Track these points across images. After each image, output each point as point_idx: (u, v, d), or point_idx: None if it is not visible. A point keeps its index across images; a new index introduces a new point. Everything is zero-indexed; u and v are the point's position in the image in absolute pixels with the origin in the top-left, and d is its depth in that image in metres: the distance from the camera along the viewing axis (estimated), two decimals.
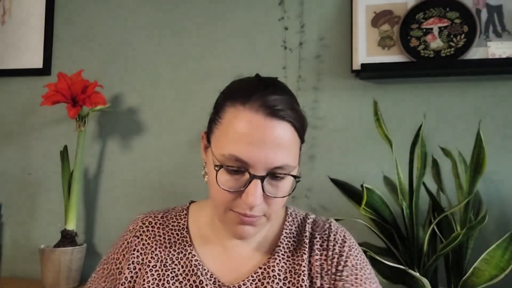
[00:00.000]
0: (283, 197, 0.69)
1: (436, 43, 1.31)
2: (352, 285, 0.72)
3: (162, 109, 1.55)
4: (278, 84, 0.72)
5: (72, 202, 1.42)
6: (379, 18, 1.38)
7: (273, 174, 0.66)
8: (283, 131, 0.66)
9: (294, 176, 0.68)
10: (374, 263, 1.07)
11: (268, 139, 0.65)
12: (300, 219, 0.82)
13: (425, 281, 1.00)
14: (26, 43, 1.67)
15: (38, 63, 1.64)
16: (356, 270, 0.74)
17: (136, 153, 1.55)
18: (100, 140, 1.59)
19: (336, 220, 1.18)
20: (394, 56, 1.35)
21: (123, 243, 0.80)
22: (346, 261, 0.75)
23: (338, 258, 0.75)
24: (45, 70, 1.63)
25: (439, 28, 1.32)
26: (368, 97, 1.35)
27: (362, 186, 1.09)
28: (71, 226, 1.41)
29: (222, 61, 1.51)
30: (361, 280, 0.73)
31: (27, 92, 1.65)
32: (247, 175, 0.66)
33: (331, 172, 1.31)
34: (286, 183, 0.69)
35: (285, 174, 0.67)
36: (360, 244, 1.16)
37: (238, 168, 0.66)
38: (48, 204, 1.59)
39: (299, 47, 1.44)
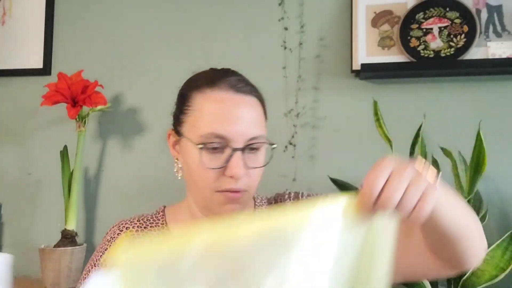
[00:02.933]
0: (262, 166, 0.73)
1: (436, 43, 1.31)
2: None
3: (162, 109, 1.54)
4: (233, 70, 0.79)
5: (72, 202, 1.41)
6: (379, 18, 1.38)
7: (250, 146, 0.71)
8: (253, 105, 0.73)
9: (271, 144, 0.74)
10: None
11: (242, 113, 0.70)
12: (266, 198, 0.87)
13: (425, 281, 1.00)
14: (26, 43, 1.66)
15: (38, 63, 1.64)
16: None
17: (136, 153, 1.55)
18: (100, 140, 1.59)
19: None
20: (394, 56, 1.35)
21: (103, 253, 0.79)
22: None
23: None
24: (45, 70, 1.63)
25: (439, 28, 1.32)
26: (368, 97, 1.35)
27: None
28: (71, 226, 1.41)
29: (222, 61, 1.50)
30: None
31: (27, 92, 1.65)
32: (227, 151, 0.70)
33: (331, 172, 1.31)
34: (262, 154, 0.74)
35: (262, 143, 0.72)
36: None
37: (219, 144, 0.69)
38: (48, 204, 1.59)
39: (299, 47, 1.44)
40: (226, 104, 0.71)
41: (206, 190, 0.72)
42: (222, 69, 0.79)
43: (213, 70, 0.79)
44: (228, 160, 0.69)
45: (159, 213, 0.85)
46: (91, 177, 1.58)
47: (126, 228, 0.82)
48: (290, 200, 0.84)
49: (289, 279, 0.48)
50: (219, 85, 0.72)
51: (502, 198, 1.28)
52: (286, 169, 1.40)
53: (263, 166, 0.74)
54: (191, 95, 0.74)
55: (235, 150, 0.69)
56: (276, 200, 0.85)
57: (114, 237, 0.81)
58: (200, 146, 0.70)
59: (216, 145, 0.70)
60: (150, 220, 0.83)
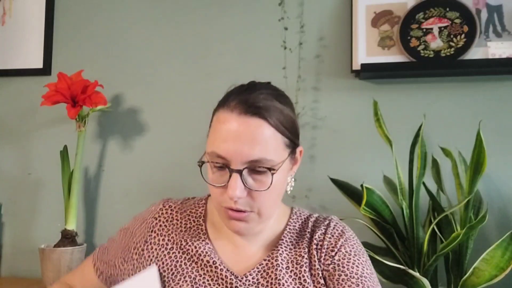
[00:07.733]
0: (264, 190, 0.71)
1: (436, 43, 1.31)
2: (344, 267, 0.76)
3: (162, 109, 1.55)
4: (261, 86, 0.77)
5: (72, 202, 1.41)
6: (379, 18, 1.38)
7: (253, 169, 0.71)
8: (258, 127, 0.71)
9: (269, 169, 0.71)
10: (374, 263, 1.07)
11: (242, 134, 0.70)
12: (304, 217, 0.86)
13: (425, 281, 1.00)
14: (26, 43, 1.66)
15: (38, 63, 1.64)
16: (349, 255, 0.78)
17: (136, 153, 1.55)
18: (100, 140, 1.59)
19: None
20: (394, 56, 1.35)
21: (143, 222, 0.85)
22: (340, 248, 0.78)
23: (333, 246, 0.79)
24: (45, 70, 1.63)
25: (439, 28, 1.32)
26: (368, 97, 1.35)
27: (362, 186, 1.09)
28: (71, 226, 1.41)
29: (222, 61, 1.51)
30: (353, 263, 0.77)
31: (27, 92, 1.65)
32: (229, 171, 0.71)
33: (331, 172, 1.31)
34: (268, 177, 0.71)
35: (264, 167, 0.70)
36: None
37: (221, 164, 0.72)
38: (48, 204, 1.59)
39: (298, 47, 1.44)
40: (228, 125, 0.71)
41: (216, 202, 0.76)
42: (247, 85, 0.78)
43: (239, 86, 0.78)
44: (228, 180, 0.71)
45: (201, 201, 0.88)
46: (91, 177, 1.58)
47: (169, 206, 0.86)
48: (322, 237, 0.81)
49: None
50: (228, 104, 0.73)
51: (502, 198, 1.28)
52: None
53: (266, 189, 0.71)
54: (213, 114, 0.77)
55: (232, 171, 0.70)
56: (313, 227, 0.83)
57: (156, 211, 0.86)
58: (206, 161, 0.74)
59: (219, 164, 0.72)
60: (191, 206, 0.87)
